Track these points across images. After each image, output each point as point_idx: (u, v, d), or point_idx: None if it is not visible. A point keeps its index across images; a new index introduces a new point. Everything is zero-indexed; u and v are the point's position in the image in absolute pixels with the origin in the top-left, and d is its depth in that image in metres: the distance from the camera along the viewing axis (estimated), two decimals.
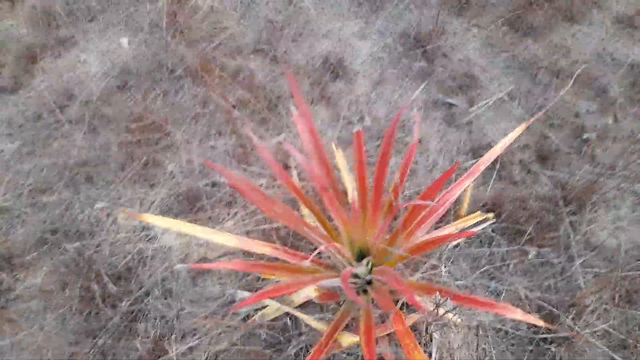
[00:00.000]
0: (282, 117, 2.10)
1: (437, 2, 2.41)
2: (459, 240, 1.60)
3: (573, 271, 1.61)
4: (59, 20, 2.46)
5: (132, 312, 1.69)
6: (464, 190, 1.59)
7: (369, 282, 1.50)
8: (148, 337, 1.65)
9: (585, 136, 1.89)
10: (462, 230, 1.63)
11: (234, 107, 2.12)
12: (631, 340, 1.47)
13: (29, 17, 2.48)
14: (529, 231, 1.65)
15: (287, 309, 1.47)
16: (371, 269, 1.43)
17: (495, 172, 1.83)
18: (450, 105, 2.05)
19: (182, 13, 2.36)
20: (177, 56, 2.29)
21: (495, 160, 1.83)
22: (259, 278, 1.64)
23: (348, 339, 1.38)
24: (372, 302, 1.50)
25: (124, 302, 1.70)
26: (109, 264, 1.76)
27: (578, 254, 1.63)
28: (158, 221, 1.45)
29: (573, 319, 1.49)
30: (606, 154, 1.86)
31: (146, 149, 2.01)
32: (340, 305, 1.55)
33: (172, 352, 1.59)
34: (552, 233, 1.67)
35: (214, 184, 1.92)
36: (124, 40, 2.43)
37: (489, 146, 1.92)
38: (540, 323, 1.31)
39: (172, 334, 1.60)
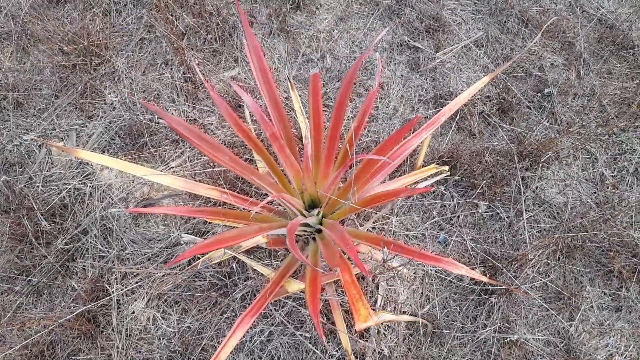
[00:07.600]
0: (237, 50, 1.94)
1: None
2: None
3: (519, 226, 1.63)
4: None
5: (68, 251, 1.60)
6: (421, 142, 1.55)
7: (320, 231, 1.47)
8: (86, 278, 1.57)
9: (546, 91, 1.86)
10: (414, 184, 1.60)
11: (183, 34, 1.93)
12: (565, 293, 1.53)
13: None
14: (481, 185, 1.64)
15: (234, 253, 1.42)
16: (322, 220, 1.38)
17: (454, 123, 1.79)
18: (416, 49, 1.95)
19: None
20: None
21: (456, 111, 1.78)
22: (205, 221, 1.57)
23: (295, 286, 1.35)
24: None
25: (59, 240, 1.60)
26: (42, 200, 1.63)
27: (526, 210, 1.65)
28: (96, 158, 1.34)
29: (515, 271, 1.53)
30: (565, 110, 1.84)
31: (83, 75, 1.82)
32: (289, 252, 1.52)
33: (112, 292, 1.52)
34: (504, 188, 1.67)
35: (158, 121, 1.78)
36: None
37: (451, 95, 1.86)
38: (483, 279, 1.33)
39: (112, 275, 1.52)
